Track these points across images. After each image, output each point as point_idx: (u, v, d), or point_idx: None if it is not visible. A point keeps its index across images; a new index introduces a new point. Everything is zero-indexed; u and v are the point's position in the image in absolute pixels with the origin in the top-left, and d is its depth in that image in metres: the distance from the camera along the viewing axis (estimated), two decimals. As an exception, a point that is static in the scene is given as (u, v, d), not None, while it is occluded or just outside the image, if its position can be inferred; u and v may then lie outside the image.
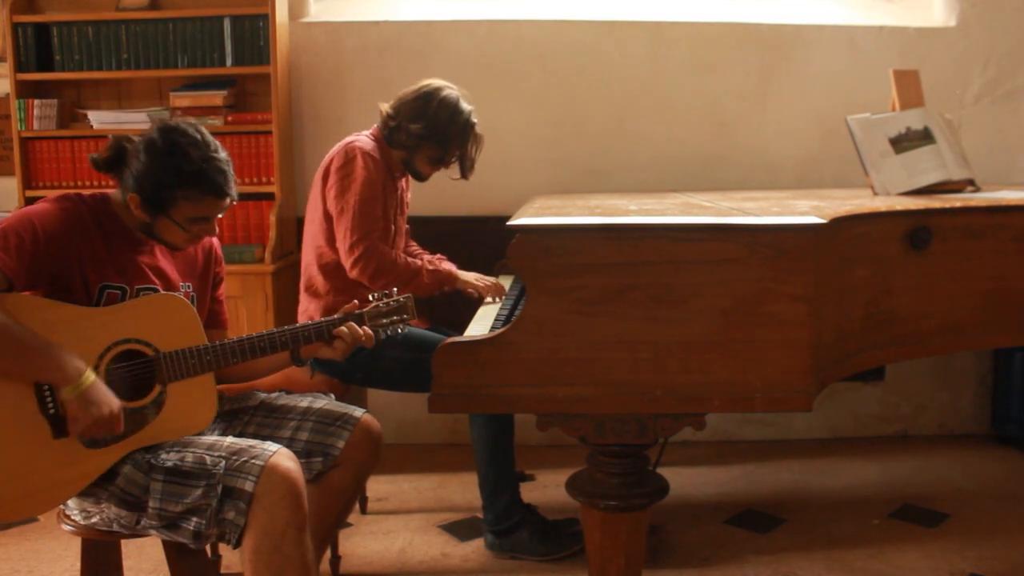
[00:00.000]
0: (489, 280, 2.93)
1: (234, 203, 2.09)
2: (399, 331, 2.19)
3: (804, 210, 2.24)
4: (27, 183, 3.67)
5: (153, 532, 1.99)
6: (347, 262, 2.74)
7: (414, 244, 3.17)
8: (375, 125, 2.91)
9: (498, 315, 2.55)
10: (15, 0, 3.60)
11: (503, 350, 1.86)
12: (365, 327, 2.14)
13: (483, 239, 3.59)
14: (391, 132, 2.86)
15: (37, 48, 3.62)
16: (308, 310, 2.87)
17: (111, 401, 1.90)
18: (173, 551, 2.08)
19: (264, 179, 3.61)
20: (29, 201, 3.57)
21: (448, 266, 3.00)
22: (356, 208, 2.71)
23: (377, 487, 3.36)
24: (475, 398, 1.89)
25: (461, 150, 2.87)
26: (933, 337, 2.26)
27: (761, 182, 3.74)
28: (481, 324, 2.47)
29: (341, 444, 2.21)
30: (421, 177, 2.94)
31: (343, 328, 2.11)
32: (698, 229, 1.89)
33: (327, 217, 2.80)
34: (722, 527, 3.06)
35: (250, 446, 1.98)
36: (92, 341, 1.94)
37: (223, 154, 2.05)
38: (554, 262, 1.85)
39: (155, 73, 3.64)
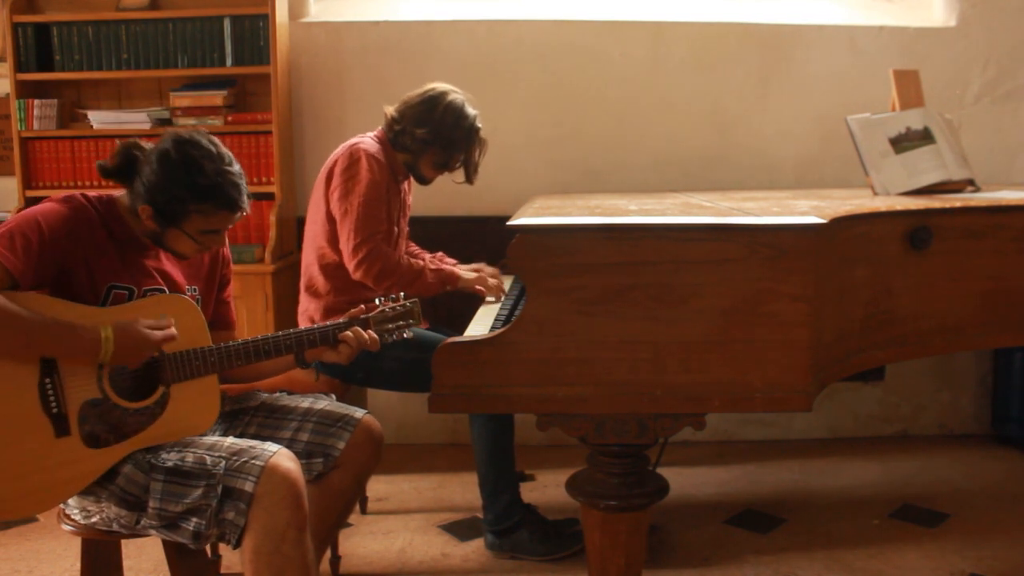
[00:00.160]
0: (490, 271, 2.93)
1: (245, 215, 2.10)
2: (404, 336, 2.19)
3: (804, 210, 2.24)
4: (27, 183, 3.67)
5: (153, 532, 1.99)
6: (351, 264, 2.74)
7: (413, 245, 3.17)
8: (380, 128, 2.91)
9: (498, 315, 2.55)
10: (15, 0, 3.60)
11: (503, 350, 1.86)
12: (371, 331, 2.14)
13: (483, 239, 3.59)
14: (396, 136, 2.86)
15: (37, 48, 3.62)
16: (308, 310, 2.87)
17: (142, 333, 1.92)
18: (173, 551, 2.08)
19: (264, 179, 3.61)
20: (29, 201, 3.57)
21: (450, 265, 2.99)
22: (360, 210, 2.71)
23: (377, 487, 3.36)
24: (475, 398, 1.89)
25: (466, 155, 2.87)
26: (933, 337, 2.26)
27: (761, 182, 3.74)
28: (481, 324, 2.47)
29: (342, 445, 2.21)
30: (425, 181, 2.94)
31: (348, 333, 2.11)
32: (698, 229, 1.89)
33: (329, 218, 2.80)
34: (722, 527, 3.06)
35: (250, 446, 1.98)
36: None
37: (236, 167, 2.05)
38: (554, 262, 1.85)
39: (155, 73, 3.64)
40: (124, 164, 2.04)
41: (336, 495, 2.26)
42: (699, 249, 1.85)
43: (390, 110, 2.88)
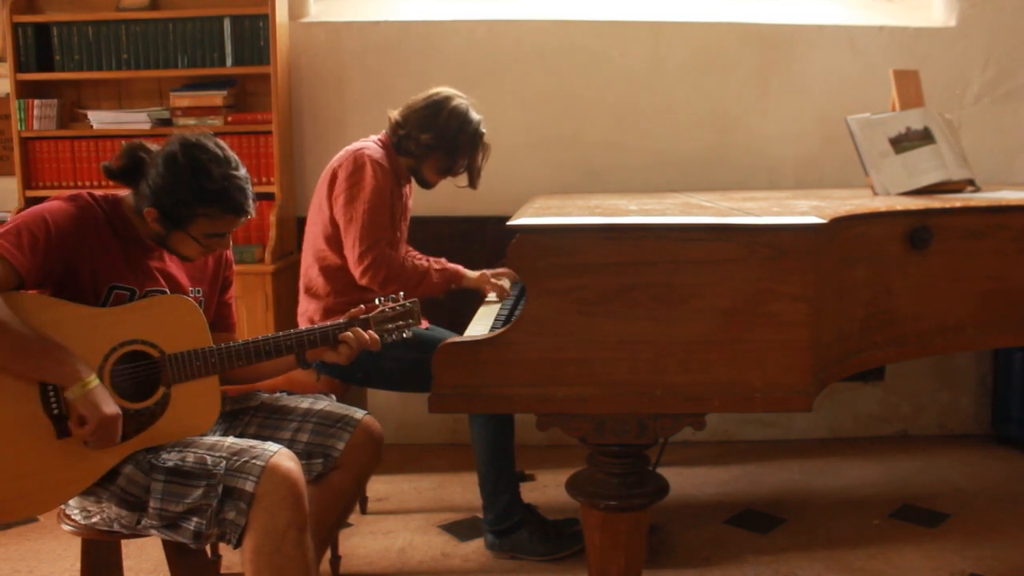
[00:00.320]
0: (498, 274, 2.95)
1: (251, 218, 2.10)
2: (404, 336, 2.19)
3: (804, 210, 2.24)
4: (27, 183, 3.67)
5: (153, 532, 1.99)
6: (357, 270, 2.74)
7: (412, 250, 3.16)
8: (384, 132, 2.91)
9: (498, 315, 2.56)
10: (15, 0, 3.60)
11: (503, 350, 1.86)
12: (371, 331, 2.14)
13: (483, 239, 3.60)
14: (400, 140, 2.86)
15: (37, 48, 3.62)
16: (308, 311, 2.87)
17: (113, 406, 1.90)
18: (173, 551, 2.08)
19: (264, 179, 3.61)
20: (29, 201, 3.57)
21: (455, 265, 2.99)
22: (365, 217, 2.72)
23: (377, 487, 3.36)
24: (475, 398, 1.89)
25: (469, 160, 2.87)
26: (933, 337, 2.25)
27: (761, 182, 3.75)
28: (481, 324, 2.47)
29: (342, 446, 2.21)
30: (428, 185, 2.95)
31: (349, 333, 2.11)
32: (698, 229, 1.89)
33: (331, 221, 2.80)
34: (722, 527, 3.06)
35: (251, 446, 1.98)
36: (98, 341, 1.94)
37: (243, 171, 2.05)
38: (554, 262, 1.85)
39: (155, 73, 3.64)
40: (129, 166, 2.04)
41: (336, 495, 2.26)
42: (699, 249, 1.85)
43: (394, 114, 2.88)
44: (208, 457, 1.94)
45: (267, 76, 3.57)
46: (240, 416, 2.26)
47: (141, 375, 1.99)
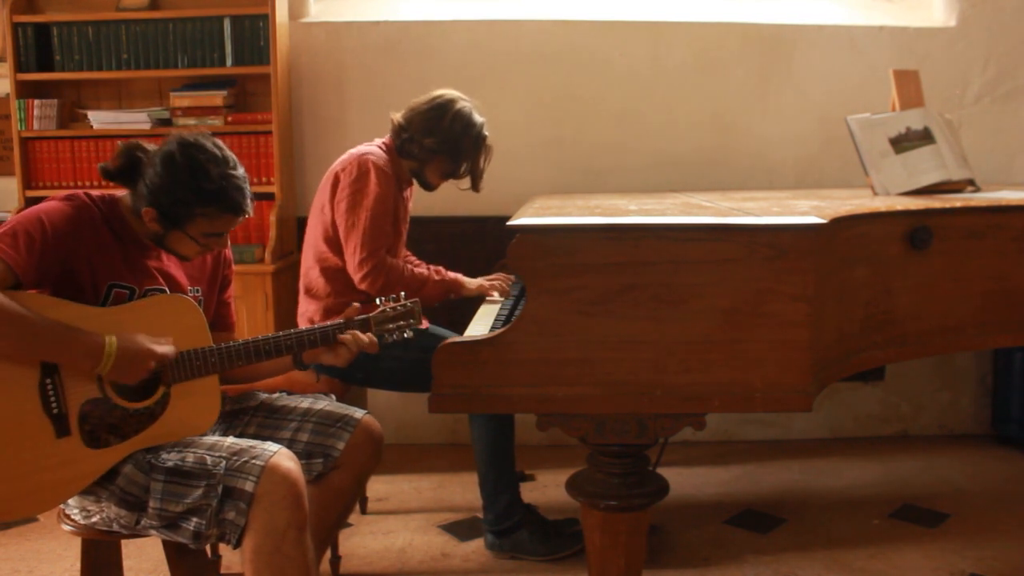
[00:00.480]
0: (495, 277, 2.95)
1: (249, 217, 2.10)
2: (406, 336, 2.19)
3: (804, 210, 2.24)
4: (27, 183, 3.67)
5: (153, 532, 1.99)
6: (356, 276, 2.75)
7: (412, 256, 3.15)
8: (388, 136, 2.90)
9: (498, 315, 2.56)
10: (15, 0, 3.60)
11: (503, 350, 1.86)
12: (370, 334, 2.14)
13: (483, 239, 3.60)
14: (403, 143, 2.85)
15: (37, 48, 3.62)
16: (308, 312, 2.87)
17: (144, 345, 1.91)
18: (173, 551, 2.08)
19: (264, 179, 3.61)
20: (29, 201, 3.57)
21: (454, 274, 2.99)
22: (367, 224, 2.72)
23: (377, 487, 3.36)
24: (475, 398, 1.89)
25: (473, 163, 2.87)
26: (933, 337, 2.25)
27: (761, 182, 3.75)
28: (481, 324, 2.47)
29: (342, 445, 2.21)
30: (431, 187, 2.95)
31: (347, 335, 2.11)
32: (698, 229, 1.89)
33: (333, 224, 2.80)
34: (722, 527, 3.06)
35: (251, 446, 1.98)
36: None
37: (241, 170, 2.05)
38: (554, 262, 1.85)
39: (155, 73, 3.64)
40: (126, 166, 2.04)
41: (336, 495, 2.26)
42: (699, 249, 1.85)
43: (397, 116, 2.88)
44: (208, 457, 1.94)
45: (267, 76, 3.57)
46: (239, 416, 2.26)
47: None
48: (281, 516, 1.91)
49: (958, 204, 2.34)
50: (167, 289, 2.09)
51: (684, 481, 3.44)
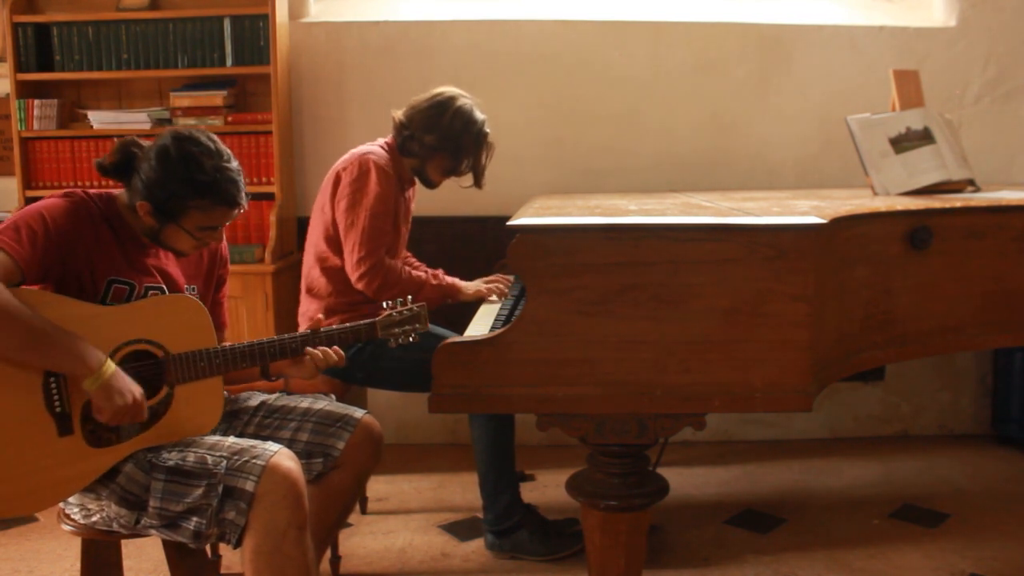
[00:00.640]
0: (493, 278, 2.95)
1: (243, 211, 2.10)
2: (411, 340, 2.19)
3: (804, 210, 2.24)
4: (27, 183, 3.67)
5: (153, 532, 1.99)
6: (353, 275, 2.75)
7: (412, 257, 3.15)
8: (390, 135, 2.90)
9: (498, 315, 2.56)
10: (15, 0, 3.60)
11: (503, 350, 1.86)
12: (336, 347, 2.13)
13: (483, 239, 3.60)
14: (404, 141, 2.85)
15: (37, 48, 3.62)
16: (309, 311, 2.87)
17: (133, 389, 1.90)
18: (173, 551, 2.08)
19: (264, 179, 3.61)
20: (29, 201, 3.57)
21: (452, 279, 2.99)
22: (366, 223, 2.72)
23: (377, 487, 3.36)
24: (475, 398, 1.89)
25: (474, 160, 2.87)
26: (933, 337, 2.26)
27: (761, 182, 3.75)
28: (481, 324, 2.47)
29: (342, 445, 2.21)
30: (432, 185, 2.94)
31: (316, 351, 2.10)
32: (698, 229, 1.89)
33: (333, 223, 2.80)
34: (722, 527, 3.06)
35: (251, 446, 1.98)
36: (102, 340, 1.93)
37: (235, 164, 2.05)
38: (554, 262, 1.85)
39: (155, 73, 3.64)
40: (122, 161, 2.05)
41: (336, 495, 2.26)
42: (699, 249, 1.85)
43: (398, 114, 2.88)
44: (208, 457, 1.94)
45: (267, 76, 3.57)
46: (239, 416, 2.26)
47: (145, 374, 1.99)
48: (281, 516, 1.91)
49: (958, 204, 2.34)
50: (165, 287, 2.09)
51: (684, 481, 3.44)
